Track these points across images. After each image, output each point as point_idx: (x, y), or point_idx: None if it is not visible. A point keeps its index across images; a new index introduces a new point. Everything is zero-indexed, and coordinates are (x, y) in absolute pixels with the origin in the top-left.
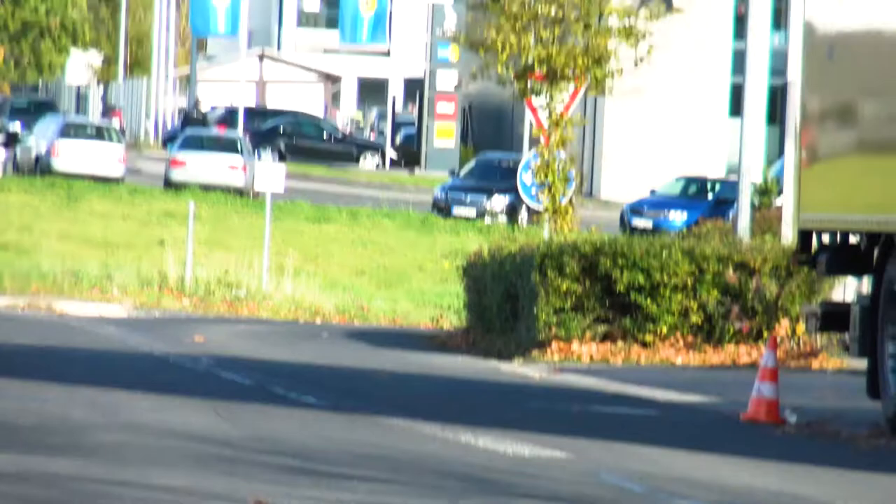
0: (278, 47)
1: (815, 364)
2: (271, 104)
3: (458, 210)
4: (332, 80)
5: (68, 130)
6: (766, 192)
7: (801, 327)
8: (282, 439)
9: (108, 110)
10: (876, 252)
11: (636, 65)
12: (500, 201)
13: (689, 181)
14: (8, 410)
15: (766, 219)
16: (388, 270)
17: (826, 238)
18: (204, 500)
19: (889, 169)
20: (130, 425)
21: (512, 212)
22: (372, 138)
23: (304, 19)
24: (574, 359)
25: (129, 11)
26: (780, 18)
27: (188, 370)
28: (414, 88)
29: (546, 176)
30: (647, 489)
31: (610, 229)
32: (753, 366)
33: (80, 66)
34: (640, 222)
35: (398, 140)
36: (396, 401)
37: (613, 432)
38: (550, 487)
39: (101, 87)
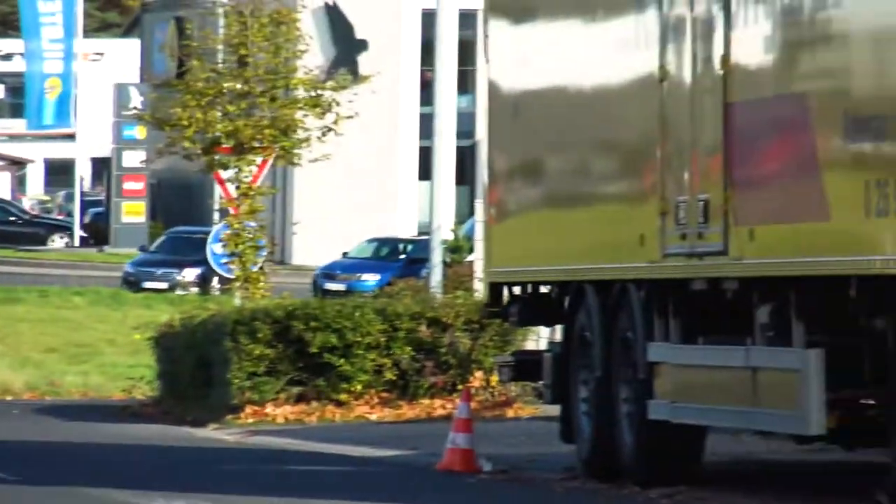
0: None
1: (510, 412)
2: None
3: (148, 283)
4: (17, 164)
5: None
6: (457, 250)
7: (494, 378)
8: None
9: None
10: (567, 301)
11: (324, 135)
12: (191, 273)
13: (381, 242)
14: None
15: (458, 275)
16: (79, 346)
17: (518, 290)
18: None
19: (572, 219)
20: None
21: (203, 282)
22: (60, 218)
23: None
24: (269, 421)
25: None
26: (465, 83)
27: None
28: (102, 168)
29: (236, 245)
30: None
31: (303, 294)
32: (448, 418)
33: None
34: (333, 286)
35: (87, 219)
36: (89, 471)
37: (309, 490)
38: None
39: None
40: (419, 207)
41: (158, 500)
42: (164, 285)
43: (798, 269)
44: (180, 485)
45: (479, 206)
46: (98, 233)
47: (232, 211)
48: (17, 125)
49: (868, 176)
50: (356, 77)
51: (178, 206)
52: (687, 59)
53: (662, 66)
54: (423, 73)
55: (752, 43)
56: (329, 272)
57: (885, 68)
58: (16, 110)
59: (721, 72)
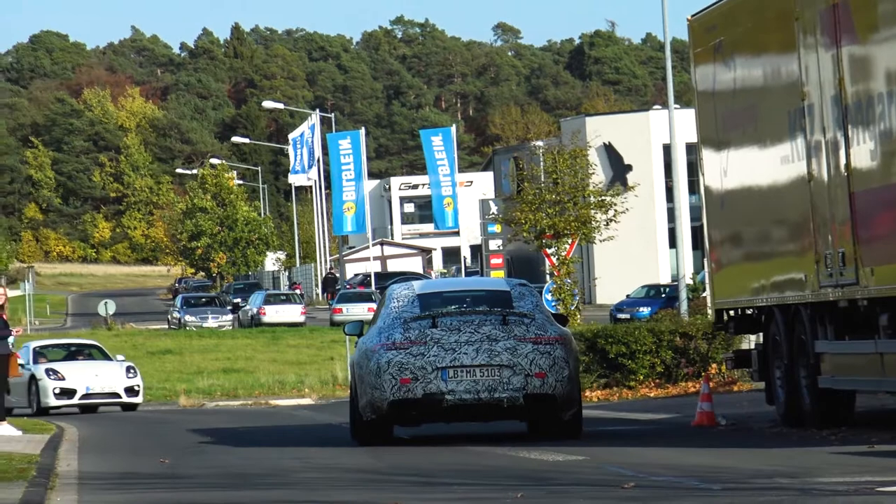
0: (391, 236)
1: (735, 388)
2: (390, 269)
3: None
4: (425, 252)
5: (269, 299)
6: (695, 290)
7: (724, 367)
8: (409, 465)
9: (292, 284)
10: (763, 318)
11: (608, 224)
12: None
13: (650, 287)
14: (245, 465)
15: (697, 306)
16: None
17: (732, 313)
18: None
19: (762, 269)
20: (318, 466)
21: None
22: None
23: (406, 218)
24: (587, 401)
25: (300, 226)
26: (693, 187)
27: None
28: (475, 251)
29: (560, 294)
30: (635, 472)
31: (604, 321)
32: (697, 393)
33: (272, 260)
34: (622, 315)
35: None
36: (488, 436)
37: (614, 441)
38: (577, 478)
39: (287, 271)
40: (670, 265)
41: (527, 452)
42: None
43: None
44: (532, 442)
45: (706, 262)
46: None
47: (555, 273)
48: (424, 227)
49: None
50: (626, 187)
51: (524, 272)
52: (824, 166)
53: (810, 172)
54: (666, 182)
55: (863, 154)
56: (619, 307)
57: None
58: (423, 219)
59: (845, 173)
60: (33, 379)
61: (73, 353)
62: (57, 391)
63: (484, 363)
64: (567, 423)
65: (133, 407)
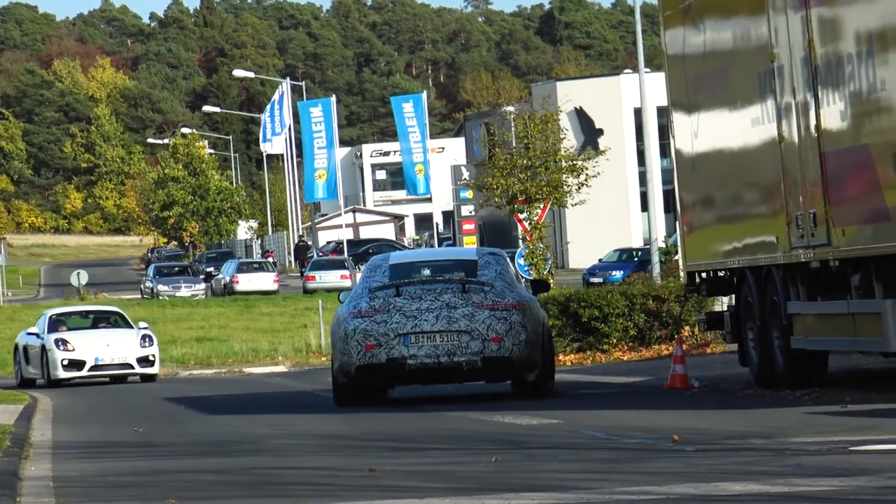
0: (363, 203)
1: (708, 350)
2: (363, 236)
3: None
4: (398, 218)
5: (242, 267)
6: (668, 253)
7: (696, 329)
8: (383, 431)
9: (264, 253)
10: (735, 280)
11: (579, 188)
12: None
13: (622, 251)
14: (220, 433)
15: (670, 269)
16: None
17: (704, 275)
18: (336, 471)
19: (734, 231)
20: (292, 433)
21: None
22: (426, 249)
23: (377, 185)
24: (559, 364)
25: (272, 194)
26: (665, 150)
27: (326, 398)
28: (448, 217)
29: (532, 258)
30: (609, 435)
31: (576, 286)
32: (670, 356)
33: (244, 229)
34: (594, 279)
35: (442, 248)
36: (461, 402)
37: (588, 404)
38: (551, 441)
39: (259, 239)
40: (642, 228)
41: (497, 416)
42: None
43: (874, 251)
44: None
45: (678, 225)
46: None
47: (528, 237)
48: (396, 194)
49: None
50: (597, 151)
51: (495, 237)
52: (794, 128)
53: (780, 133)
54: (638, 146)
55: (833, 115)
56: (591, 271)
57: None
58: (395, 185)
59: (816, 134)
60: (44, 349)
61: (95, 321)
62: (65, 363)
63: (443, 329)
64: (534, 384)
65: (149, 378)
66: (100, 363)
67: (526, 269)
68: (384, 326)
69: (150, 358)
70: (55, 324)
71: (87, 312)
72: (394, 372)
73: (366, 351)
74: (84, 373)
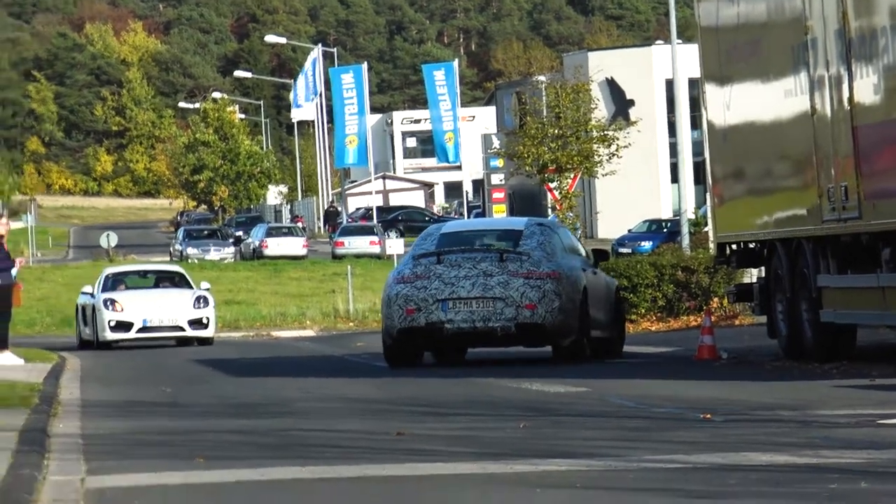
0: (393, 170)
1: (737, 322)
2: (392, 203)
3: None
4: (427, 186)
5: (271, 232)
6: (697, 224)
7: (725, 301)
8: (411, 396)
9: (294, 218)
10: (765, 252)
11: (610, 159)
12: None
13: (651, 222)
14: (247, 394)
15: (699, 240)
16: None
17: (734, 247)
18: (364, 435)
19: (766, 203)
20: (320, 397)
21: None
22: (455, 217)
23: (408, 152)
24: None
25: (301, 159)
26: (695, 122)
27: (354, 363)
28: (478, 186)
29: None
30: (638, 404)
31: None
32: (699, 327)
33: (274, 194)
34: (624, 250)
35: (472, 216)
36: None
37: (616, 374)
38: (579, 409)
39: (289, 204)
40: (672, 200)
41: (524, 383)
42: None
43: None
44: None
45: (708, 197)
46: None
47: (557, 207)
48: (426, 162)
49: None
50: (628, 122)
51: (525, 206)
52: (827, 101)
53: (813, 106)
54: (669, 117)
55: (866, 88)
56: (621, 242)
57: None
58: (426, 153)
59: (849, 107)
60: (94, 310)
61: (157, 280)
62: (112, 324)
63: (479, 296)
64: (569, 349)
65: (205, 341)
66: (148, 325)
67: None
68: (424, 292)
69: (205, 321)
70: (113, 283)
71: (147, 272)
72: (432, 335)
73: (406, 315)
74: (131, 335)
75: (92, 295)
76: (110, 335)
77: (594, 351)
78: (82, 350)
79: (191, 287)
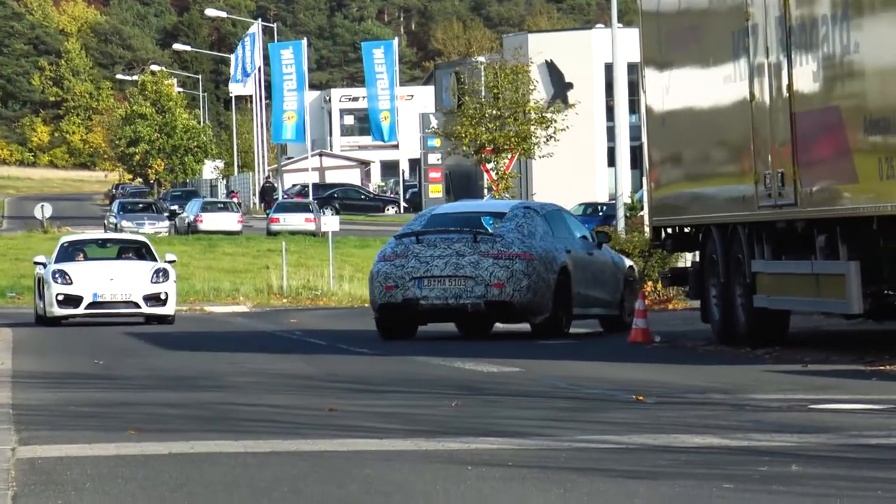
0: (330, 148)
1: (670, 306)
2: (329, 181)
3: None
4: (364, 164)
5: (206, 206)
6: (633, 208)
7: (659, 285)
8: (344, 373)
9: (229, 193)
10: (700, 236)
11: (548, 141)
12: None
13: (587, 205)
14: (180, 368)
15: (634, 224)
16: None
17: (670, 230)
18: (296, 410)
19: (700, 188)
20: (252, 371)
21: None
22: (391, 196)
23: (345, 130)
24: None
25: (238, 134)
26: (634, 106)
27: (286, 339)
28: (415, 165)
29: None
30: (570, 385)
31: None
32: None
33: (210, 169)
34: None
35: (407, 196)
36: (425, 347)
37: (549, 355)
38: (512, 389)
39: (225, 179)
40: (609, 183)
41: (459, 362)
42: None
43: (840, 213)
44: (478, 353)
45: (645, 181)
46: (415, 204)
47: (494, 188)
48: (364, 140)
49: (880, 155)
50: (566, 105)
51: (462, 186)
52: (766, 87)
53: (751, 92)
54: (607, 101)
55: (805, 76)
56: None
57: (887, 89)
58: (363, 131)
59: (787, 94)
60: (42, 282)
61: (120, 252)
62: (60, 298)
63: (451, 274)
64: (543, 326)
65: (163, 319)
66: (98, 299)
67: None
68: (402, 270)
69: (163, 296)
70: (69, 253)
71: (108, 241)
72: (408, 311)
73: (385, 291)
74: (80, 310)
75: (45, 265)
76: (58, 310)
77: (605, 328)
78: (38, 326)
79: (154, 259)
